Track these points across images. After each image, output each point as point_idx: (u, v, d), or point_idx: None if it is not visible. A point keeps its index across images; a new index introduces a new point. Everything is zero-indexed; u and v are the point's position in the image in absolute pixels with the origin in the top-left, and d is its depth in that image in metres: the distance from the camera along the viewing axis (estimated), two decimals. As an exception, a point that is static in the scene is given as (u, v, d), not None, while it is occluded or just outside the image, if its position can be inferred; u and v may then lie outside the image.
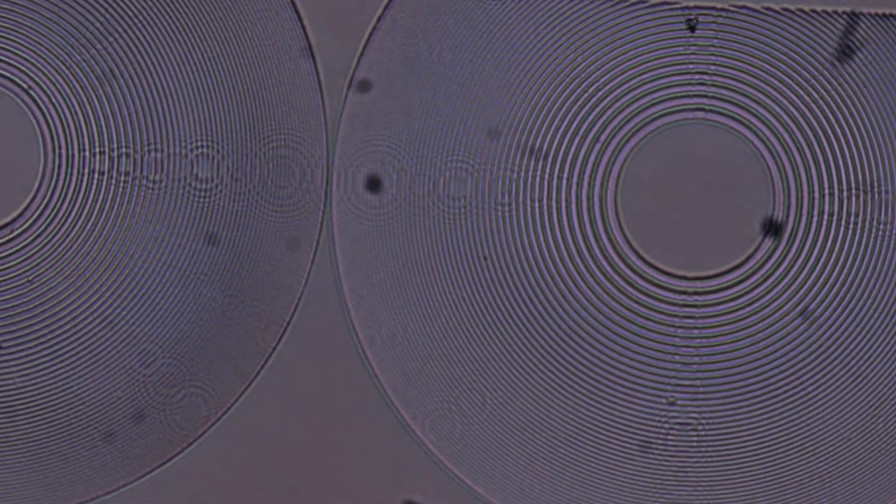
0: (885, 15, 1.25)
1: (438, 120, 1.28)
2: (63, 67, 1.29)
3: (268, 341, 1.28)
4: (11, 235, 1.27)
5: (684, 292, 1.29)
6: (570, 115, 1.29)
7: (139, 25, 1.28)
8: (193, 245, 1.29)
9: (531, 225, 1.29)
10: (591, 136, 1.29)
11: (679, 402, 1.29)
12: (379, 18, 1.28)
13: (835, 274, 1.28)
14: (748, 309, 1.29)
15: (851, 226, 1.28)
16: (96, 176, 1.28)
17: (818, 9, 1.25)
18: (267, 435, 1.30)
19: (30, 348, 1.29)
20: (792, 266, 1.29)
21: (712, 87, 1.29)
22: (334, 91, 1.29)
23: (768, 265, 1.29)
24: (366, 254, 1.29)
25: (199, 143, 1.28)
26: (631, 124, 1.29)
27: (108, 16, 1.27)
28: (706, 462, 1.29)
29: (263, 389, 1.29)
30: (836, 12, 1.25)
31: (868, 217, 1.27)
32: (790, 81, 1.28)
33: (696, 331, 1.29)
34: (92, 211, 1.29)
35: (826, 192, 1.28)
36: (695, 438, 1.29)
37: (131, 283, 1.28)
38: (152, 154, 1.28)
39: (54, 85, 1.29)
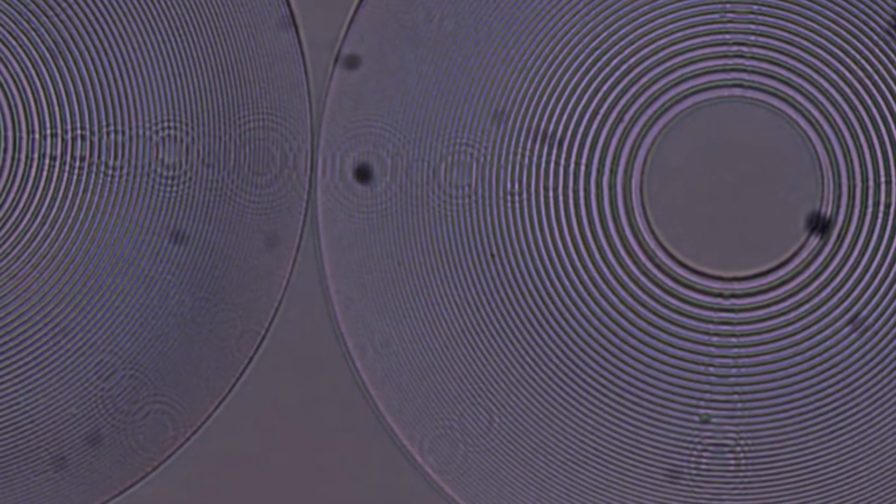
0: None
1: (438, 99, 1.27)
2: (9, 38, 1.28)
3: (243, 351, 1.27)
4: (-51, 230, 1.27)
5: (720, 295, 1.27)
6: (588, 93, 1.27)
7: (96, -11, 1.28)
8: (159, 241, 1.28)
9: (544, 218, 1.28)
10: (612, 116, 1.27)
11: (714, 421, 1.27)
12: (371, -17, 1.28)
13: (891, 275, 1.27)
14: (792, 314, 1.27)
15: (911, 219, 1.27)
16: (47, 161, 1.28)
17: (872, -29, 1.25)
18: (242, 459, 1.28)
19: (-31, 359, 1.28)
20: (842, 266, 1.27)
21: (752, 60, 1.27)
22: (319, 66, 1.28)
23: (815, 265, 1.27)
24: (355, 251, 1.28)
25: (166, 124, 1.27)
26: (658, 103, 1.27)
27: (60, -22, 1.28)
28: (745, 490, 1.27)
29: (238, 406, 1.28)
30: (892, -24, 1.25)
31: (930, 209, 1.27)
32: (841, 53, 1.26)
33: (733, 339, 1.27)
34: (42, 202, 1.28)
35: (882, 180, 1.26)
36: (732, 462, 1.27)
37: (87, 285, 1.27)
38: (111, 136, 1.27)
39: (-1, 58, 1.27)
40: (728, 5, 1.27)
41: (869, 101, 1.26)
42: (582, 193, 1.28)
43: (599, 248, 1.28)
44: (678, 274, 1.28)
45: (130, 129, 1.28)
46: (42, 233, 1.27)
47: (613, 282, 1.28)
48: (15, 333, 1.28)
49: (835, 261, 1.27)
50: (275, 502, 1.28)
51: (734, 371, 1.27)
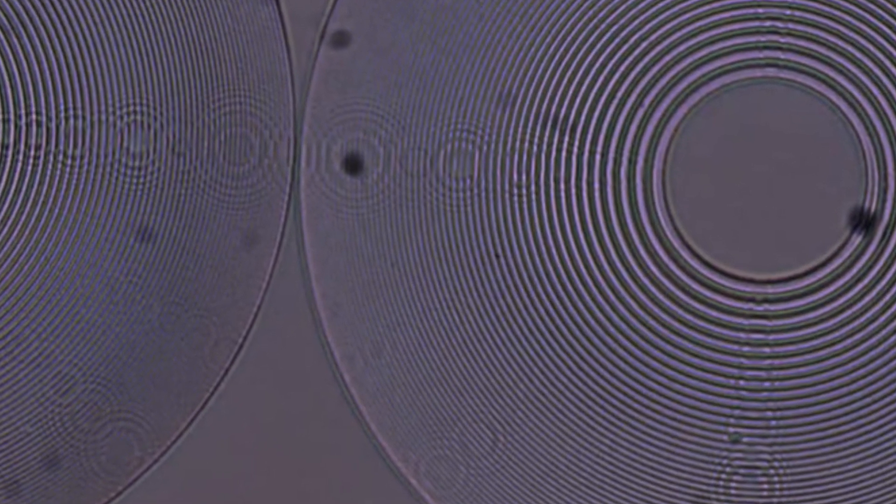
0: None
1: (437, 80, 1.27)
2: (-44, 14, 1.29)
3: (218, 363, 1.28)
4: None
5: (752, 300, 1.27)
6: (604, 74, 1.27)
7: (53, -41, 1.30)
8: (123, 240, 1.28)
9: (555, 213, 1.27)
10: (631, 99, 1.27)
11: (745, 441, 1.27)
12: (360, -50, 1.30)
13: (942, 277, 1.29)
14: (832, 321, 1.27)
15: (965, 215, 1.28)
16: (-1, 150, 1.29)
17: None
18: (216, 483, 1.29)
19: (-89, 372, 1.31)
20: (888, 268, 1.27)
21: (787, 37, 1.27)
22: (303, 43, 1.28)
23: (858, 266, 1.27)
24: (344, 251, 1.27)
25: (131, 109, 1.28)
26: (683, 85, 1.27)
27: (12, -53, 1.31)
28: (780, 517, 1.27)
29: (212, 424, 1.28)
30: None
31: None
32: (887, 29, 1.26)
33: (766, 349, 1.27)
34: (-7, 196, 1.29)
35: (933, 171, 1.28)
36: (765, 487, 1.26)
37: (43, 289, 1.28)
38: (70, 122, 1.28)
39: (-54, 36, 1.29)
40: (761, -25, 1.28)
41: (919, 83, 1.27)
42: (597, 186, 1.28)
43: (617, 248, 1.28)
44: (705, 276, 1.27)
45: (92, 114, 1.28)
46: (-7, 230, 1.29)
47: (632, 285, 1.27)
48: (-38, 343, 1.29)
49: (880, 261, 1.27)
50: (253, 532, 1.30)
51: (767, 385, 1.27)
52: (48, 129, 1.27)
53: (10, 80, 1.27)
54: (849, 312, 1.26)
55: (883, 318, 1.27)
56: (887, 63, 1.26)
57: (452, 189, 1.27)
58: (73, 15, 1.27)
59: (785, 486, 1.26)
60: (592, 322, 1.27)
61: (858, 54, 1.26)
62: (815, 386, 1.27)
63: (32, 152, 1.27)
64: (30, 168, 1.27)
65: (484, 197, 1.27)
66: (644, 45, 1.27)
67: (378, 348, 1.27)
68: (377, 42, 1.27)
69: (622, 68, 1.27)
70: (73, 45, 1.27)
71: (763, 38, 1.27)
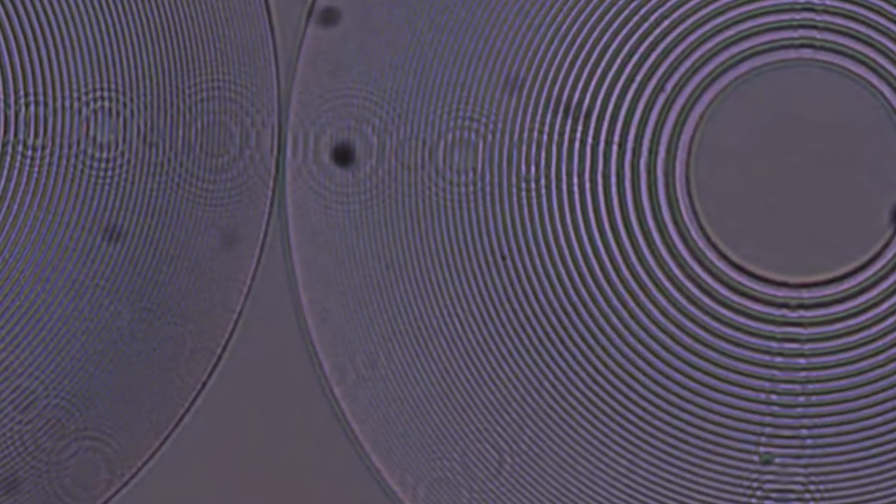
0: None
1: (436, 62, 1.26)
2: None
3: (194, 375, 1.27)
4: None
5: (785, 305, 1.26)
6: (621, 55, 1.26)
7: (10, -73, 1.31)
8: (90, 239, 1.27)
9: (567, 210, 1.26)
10: (651, 83, 1.26)
11: (777, 462, 1.26)
12: (351, -82, 1.30)
13: None
14: (874, 329, 1.25)
15: None
16: (-49, 141, 1.29)
17: None
18: None
19: None
20: None
21: (824, 15, 1.26)
22: (288, 22, 1.28)
23: None
24: (333, 251, 1.27)
25: (99, 94, 1.27)
26: (708, 68, 1.26)
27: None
28: (817, 547, 1.26)
29: (187, 443, 1.28)
30: None
31: None
32: None
33: (801, 359, 1.26)
34: (-55, 191, 1.29)
35: None
36: None
37: (1, 294, 1.27)
38: (31, 109, 1.28)
39: None
40: (795, -54, 1.28)
41: (970, 65, 1.26)
42: (614, 179, 1.27)
43: (635, 248, 1.26)
44: (733, 279, 1.26)
45: (55, 99, 1.28)
46: (-55, 230, 1.28)
47: (653, 289, 1.26)
48: (-88, 354, 1.29)
49: (926, 263, 1.28)
50: (234, 563, 1.31)
51: (802, 400, 1.26)
52: (6, 117, 1.27)
53: (-38, 62, 1.28)
54: (892, 320, 1.25)
55: (929, 325, 1.26)
56: (935, 43, 1.26)
57: (454, 183, 1.27)
58: (33, -10, 1.28)
59: (822, 511, 1.25)
60: (609, 330, 1.26)
61: (903, 33, 1.24)
62: (856, 401, 1.26)
63: (-12, 143, 1.27)
64: (-15, 161, 1.27)
65: (488, 192, 1.27)
66: (666, 23, 1.26)
67: (372, 359, 1.27)
68: (370, 20, 1.27)
69: (642, 49, 1.26)
70: (33, 23, 1.27)
71: (797, 16, 1.26)
